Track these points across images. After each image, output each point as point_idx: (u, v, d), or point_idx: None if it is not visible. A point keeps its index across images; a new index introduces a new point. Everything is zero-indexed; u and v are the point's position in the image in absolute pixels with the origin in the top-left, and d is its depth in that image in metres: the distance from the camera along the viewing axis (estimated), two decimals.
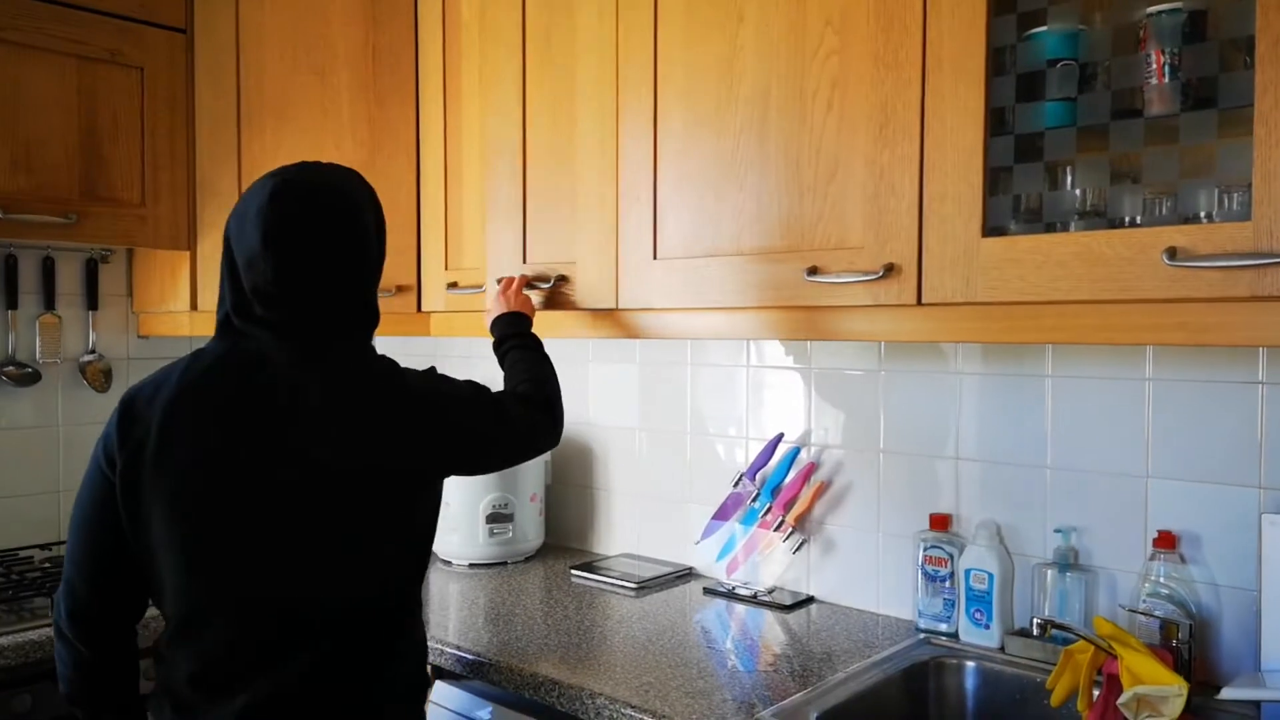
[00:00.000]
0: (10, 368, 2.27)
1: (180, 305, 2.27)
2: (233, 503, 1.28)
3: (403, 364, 1.47)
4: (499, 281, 1.89)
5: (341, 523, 1.30)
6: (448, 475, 1.47)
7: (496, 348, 1.77)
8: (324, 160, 1.44)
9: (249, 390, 1.31)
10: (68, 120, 2.01)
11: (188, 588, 1.30)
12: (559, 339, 2.00)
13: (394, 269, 2.09)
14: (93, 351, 2.39)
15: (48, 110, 1.98)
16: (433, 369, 1.51)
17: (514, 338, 1.76)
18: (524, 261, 1.88)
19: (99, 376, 2.39)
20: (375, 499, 1.32)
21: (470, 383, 1.52)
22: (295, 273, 1.31)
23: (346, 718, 1.32)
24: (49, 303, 2.32)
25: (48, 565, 2.15)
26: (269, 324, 1.32)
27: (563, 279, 1.82)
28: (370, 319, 1.42)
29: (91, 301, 2.39)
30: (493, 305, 1.82)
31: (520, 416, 1.57)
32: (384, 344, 2.88)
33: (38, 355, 2.30)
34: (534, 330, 1.80)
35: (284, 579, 1.29)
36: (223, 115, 2.14)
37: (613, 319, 1.81)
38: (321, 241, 1.33)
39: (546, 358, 1.74)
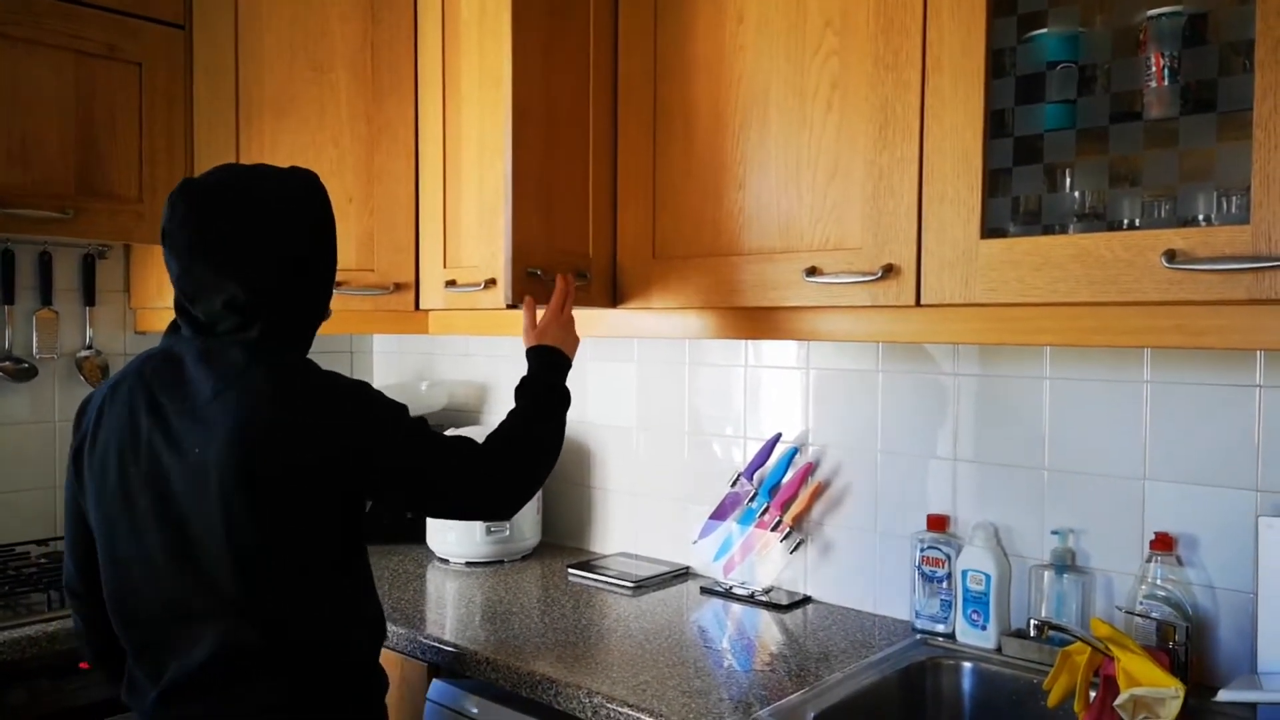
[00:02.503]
0: (7, 363, 2.26)
1: None
2: (132, 494, 1.33)
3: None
4: (536, 274, 1.64)
5: (221, 519, 1.29)
6: (341, 486, 1.35)
7: (518, 390, 1.60)
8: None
9: (158, 386, 1.36)
10: (65, 115, 2.00)
11: (107, 572, 1.38)
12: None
13: (392, 267, 2.10)
14: (89, 347, 2.39)
15: (45, 105, 1.97)
16: (364, 383, 1.41)
17: (536, 386, 1.59)
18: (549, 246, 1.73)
19: (96, 372, 2.38)
20: (254, 498, 1.29)
21: (401, 405, 1.40)
22: (195, 272, 1.35)
23: (251, 710, 1.33)
24: (46, 298, 2.32)
25: (44, 561, 2.14)
26: (191, 321, 1.38)
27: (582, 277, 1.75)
28: (284, 320, 1.39)
29: (89, 297, 2.38)
30: (528, 325, 1.66)
31: (450, 450, 1.42)
32: (382, 342, 2.89)
33: (34, 350, 2.30)
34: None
35: (173, 571, 1.32)
36: (221, 111, 2.14)
37: (609, 318, 1.81)
38: (211, 241, 1.34)
39: (554, 420, 1.57)
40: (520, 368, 1.63)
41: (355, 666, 1.43)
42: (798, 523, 1.96)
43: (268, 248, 1.36)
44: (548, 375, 1.61)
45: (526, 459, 1.52)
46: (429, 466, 1.42)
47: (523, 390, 1.60)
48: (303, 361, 1.41)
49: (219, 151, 2.13)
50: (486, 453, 1.47)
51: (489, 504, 1.50)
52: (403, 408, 1.42)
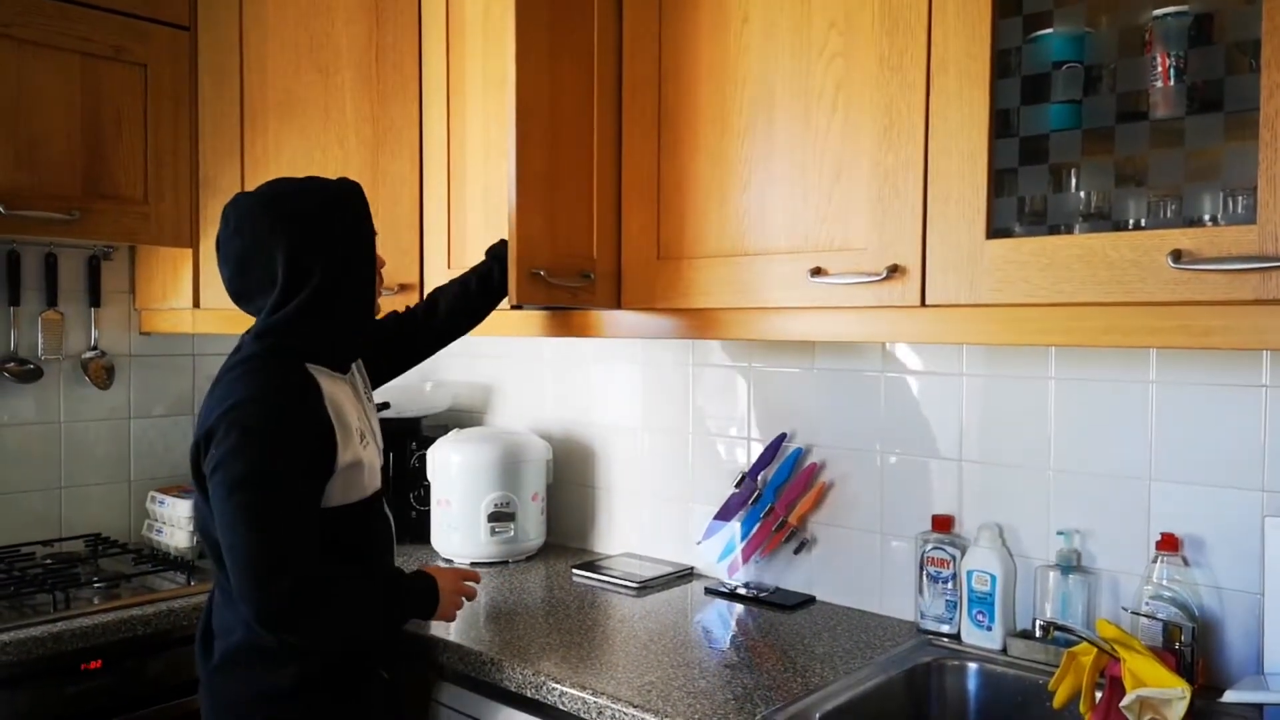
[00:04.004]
0: (12, 364, 2.27)
1: (183, 302, 2.27)
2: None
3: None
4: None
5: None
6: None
7: (389, 575, 1.59)
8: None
9: None
10: (71, 117, 2.01)
11: None
12: (560, 337, 1.98)
13: (397, 268, 2.10)
14: (95, 348, 2.39)
15: (51, 107, 1.98)
16: (251, 413, 1.40)
17: (397, 578, 1.57)
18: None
19: (101, 373, 2.39)
20: (200, 484, 1.46)
21: (258, 462, 1.36)
22: None
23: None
24: (51, 299, 2.32)
25: (49, 562, 2.15)
26: None
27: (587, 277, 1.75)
28: (261, 330, 1.49)
29: (94, 298, 2.39)
30: (440, 567, 1.65)
31: (256, 538, 1.34)
32: None
33: (40, 352, 2.30)
34: (435, 587, 1.57)
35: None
36: (226, 113, 2.14)
37: (614, 319, 1.81)
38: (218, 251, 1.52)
39: (372, 607, 1.49)
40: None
41: (243, 662, 1.48)
42: (802, 523, 1.96)
43: (234, 262, 1.49)
44: (407, 600, 1.55)
45: (321, 606, 1.39)
46: (229, 537, 1.37)
47: (390, 586, 1.55)
48: (252, 360, 1.47)
49: (224, 153, 2.14)
50: (285, 571, 1.35)
51: (256, 611, 1.37)
52: (252, 464, 1.36)
